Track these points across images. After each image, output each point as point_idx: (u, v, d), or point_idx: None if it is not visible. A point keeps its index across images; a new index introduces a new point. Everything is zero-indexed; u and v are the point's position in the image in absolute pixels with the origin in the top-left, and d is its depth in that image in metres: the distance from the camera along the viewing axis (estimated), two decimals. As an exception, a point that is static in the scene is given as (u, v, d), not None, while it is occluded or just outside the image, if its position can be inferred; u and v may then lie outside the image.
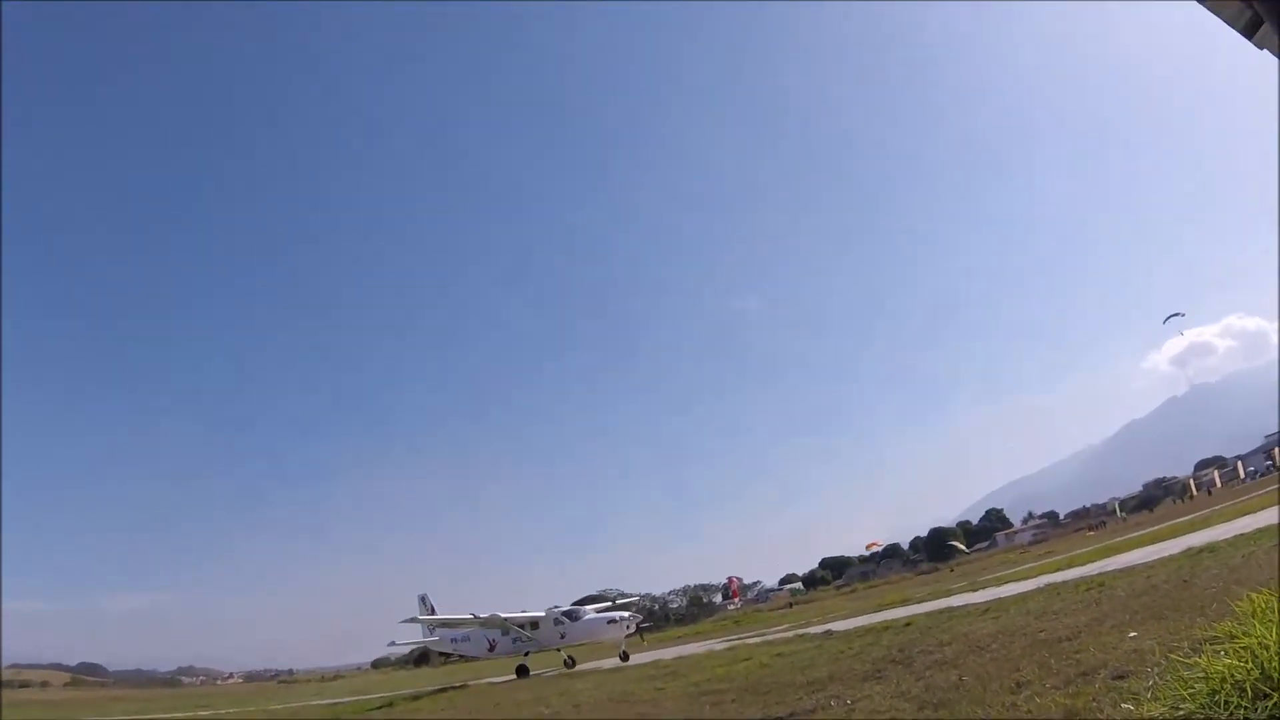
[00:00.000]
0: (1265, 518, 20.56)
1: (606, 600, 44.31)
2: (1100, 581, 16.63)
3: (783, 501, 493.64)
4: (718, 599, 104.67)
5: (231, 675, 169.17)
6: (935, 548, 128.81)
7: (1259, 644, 4.95)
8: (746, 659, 19.19)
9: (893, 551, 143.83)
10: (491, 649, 40.53)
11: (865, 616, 27.13)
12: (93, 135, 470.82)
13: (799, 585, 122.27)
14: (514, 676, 34.97)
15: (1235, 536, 17.47)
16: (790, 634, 26.79)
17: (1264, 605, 5.44)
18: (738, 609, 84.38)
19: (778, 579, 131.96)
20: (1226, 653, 5.22)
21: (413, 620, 40.94)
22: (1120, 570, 18.12)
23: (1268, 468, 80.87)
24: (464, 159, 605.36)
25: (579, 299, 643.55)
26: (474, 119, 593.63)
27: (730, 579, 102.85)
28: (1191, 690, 5.29)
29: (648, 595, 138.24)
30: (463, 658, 48.08)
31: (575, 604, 40.92)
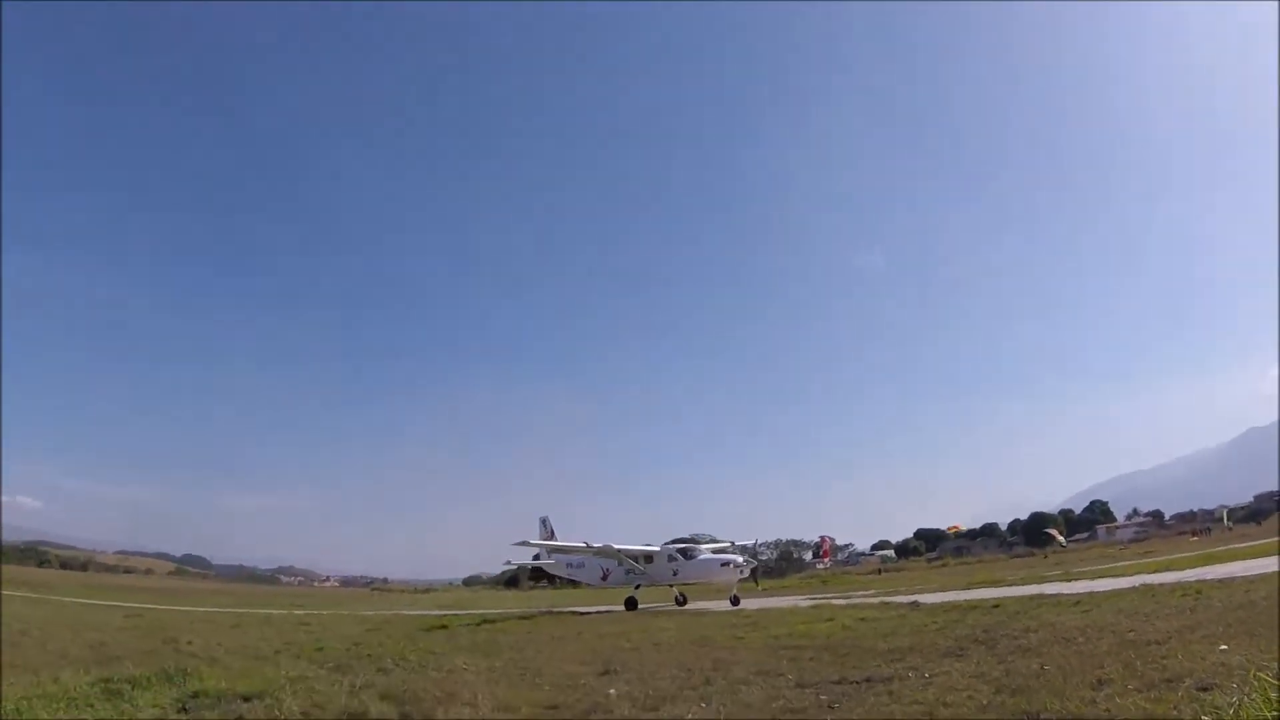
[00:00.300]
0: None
1: (699, 544, 42.92)
2: (1197, 589, 16.20)
3: (887, 466, 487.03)
4: (808, 556, 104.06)
5: (329, 578, 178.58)
6: (1033, 533, 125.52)
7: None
8: (829, 619, 19.34)
9: (989, 531, 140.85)
10: (605, 578, 40.69)
11: (954, 592, 26.82)
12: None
13: (891, 553, 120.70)
14: (621, 607, 34.79)
15: (1346, 559, 16.72)
16: (876, 600, 26.83)
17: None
18: (827, 569, 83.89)
19: (870, 544, 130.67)
20: (1316, 680, 5.24)
21: (523, 544, 40.74)
22: (1219, 580, 17.56)
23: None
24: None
25: (717, 252, 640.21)
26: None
27: (823, 538, 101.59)
28: (1275, 712, 5.34)
29: (737, 544, 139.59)
30: (575, 583, 49.42)
31: (674, 544, 40.14)
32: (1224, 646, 8.99)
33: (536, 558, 49.35)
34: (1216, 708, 6.43)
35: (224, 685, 11.15)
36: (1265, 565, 19.66)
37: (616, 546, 37.72)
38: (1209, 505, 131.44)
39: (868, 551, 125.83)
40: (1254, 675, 6.72)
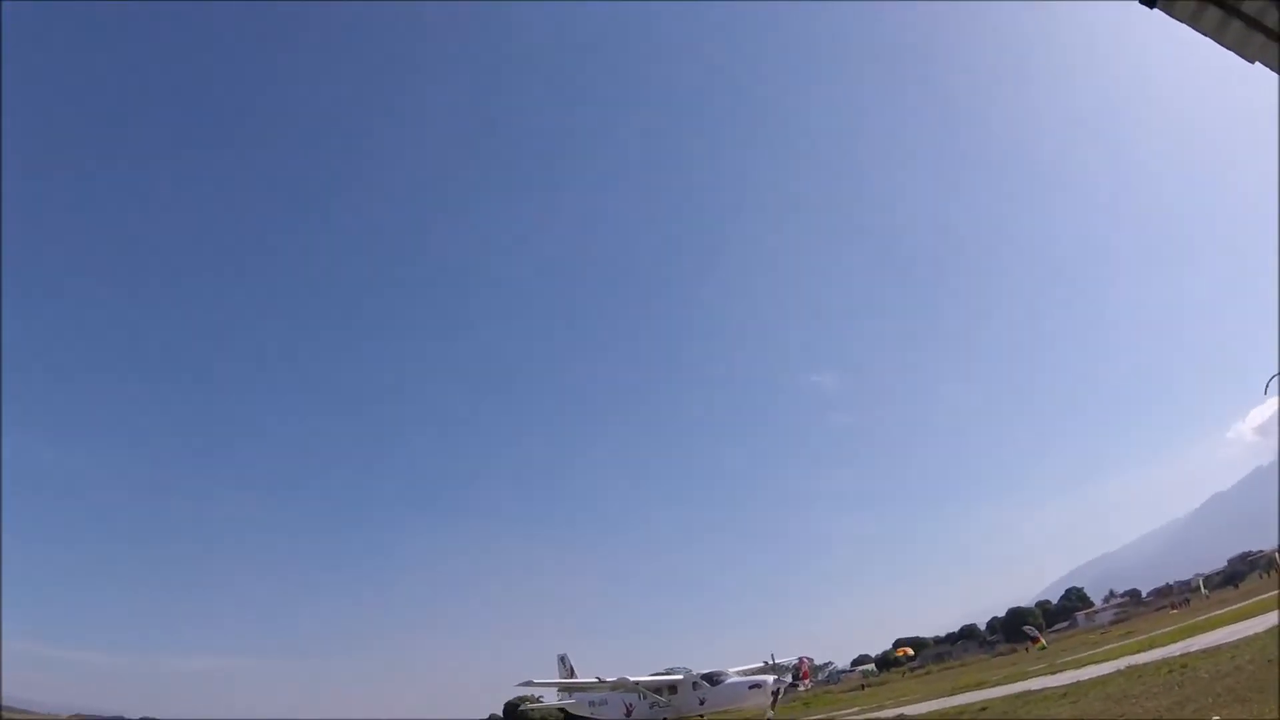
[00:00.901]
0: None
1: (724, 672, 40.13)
2: (1183, 663, 16.21)
3: (855, 580, 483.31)
4: (787, 679, 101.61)
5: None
6: (1012, 629, 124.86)
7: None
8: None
9: (969, 633, 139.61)
10: (629, 715, 38.69)
11: (939, 700, 26.53)
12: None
13: (872, 666, 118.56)
14: None
15: (1324, 614, 16.77)
16: (861, 718, 26.20)
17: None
18: (808, 690, 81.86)
19: (850, 659, 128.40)
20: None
21: (528, 684, 40.17)
22: (1204, 650, 17.61)
23: (1359, 541, 77.20)
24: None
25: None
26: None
27: (801, 659, 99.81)
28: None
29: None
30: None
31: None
32: (1216, 717, 8.85)
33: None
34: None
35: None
36: (1248, 628, 19.76)
37: (633, 679, 36.46)
38: (1184, 576, 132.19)
39: (848, 668, 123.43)
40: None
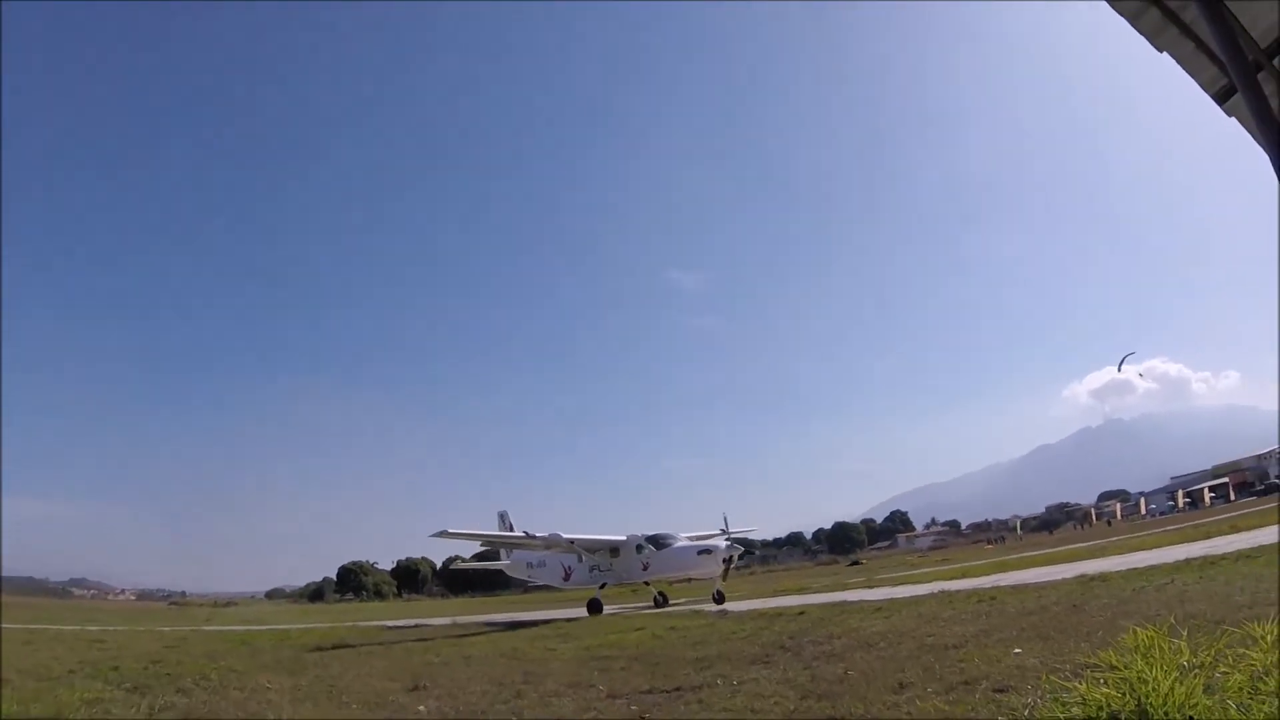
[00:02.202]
0: (1159, 555, 21.25)
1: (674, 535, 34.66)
2: (992, 595, 16.97)
3: (698, 477, 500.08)
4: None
5: (124, 591, 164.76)
6: (837, 541, 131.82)
7: (1139, 679, 5.02)
8: (640, 629, 19.33)
9: (795, 540, 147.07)
10: (567, 578, 35.96)
11: (761, 600, 27.35)
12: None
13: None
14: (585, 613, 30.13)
15: (1129, 570, 17.90)
16: (686, 608, 26.97)
17: (1148, 641, 5.53)
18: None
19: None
20: (1106, 682, 5.29)
21: (443, 534, 30.78)
22: (1013, 587, 18.47)
23: (1170, 508, 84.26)
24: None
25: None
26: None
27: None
28: (1068, 714, 5.36)
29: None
30: (534, 585, 44.65)
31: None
32: (1018, 650, 9.25)
33: (485, 557, 44.28)
34: (1012, 709, 6.53)
35: (15, 709, 10.42)
36: (1054, 573, 20.86)
37: (567, 536, 32.99)
38: (1003, 516, 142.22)
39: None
40: (1046, 678, 6.87)
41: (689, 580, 32.80)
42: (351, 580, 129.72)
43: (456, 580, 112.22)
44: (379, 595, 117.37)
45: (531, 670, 12.90)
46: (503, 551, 41.52)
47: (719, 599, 28.46)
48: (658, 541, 32.39)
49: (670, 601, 32.69)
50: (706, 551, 30.63)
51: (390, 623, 34.72)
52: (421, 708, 9.94)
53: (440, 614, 39.10)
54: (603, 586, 32.86)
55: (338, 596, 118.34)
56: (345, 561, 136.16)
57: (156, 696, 11.49)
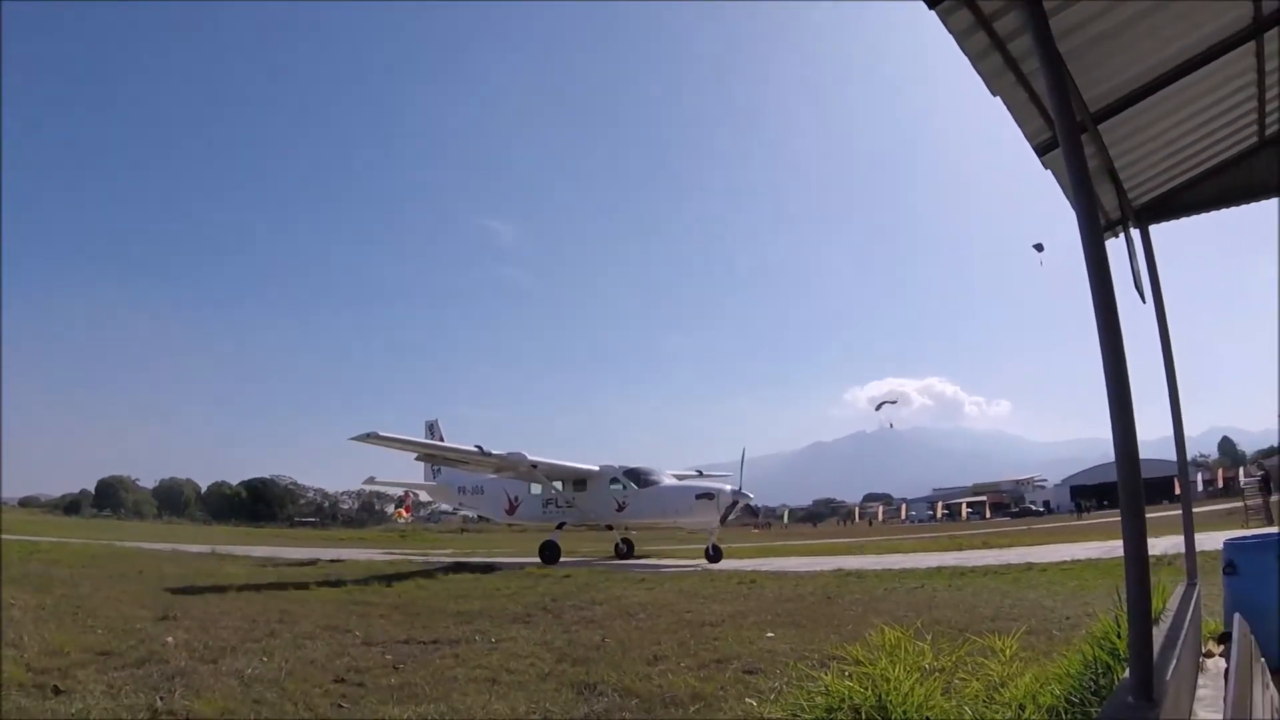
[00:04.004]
0: (914, 560, 22.72)
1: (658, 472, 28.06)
2: (752, 578, 17.69)
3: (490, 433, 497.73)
4: (389, 509, 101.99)
5: None
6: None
7: (882, 675, 5.24)
8: (403, 578, 18.87)
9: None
10: (511, 511, 29.45)
11: (529, 558, 26.64)
12: None
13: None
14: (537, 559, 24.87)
15: (884, 570, 19.02)
16: (451, 560, 26.53)
17: (895, 641, 5.81)
18: (407, 524, 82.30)
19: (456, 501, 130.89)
20: (851, 675, 5.49)
21: (369, 437, 22.88)
22: (773, 573, 19.28)
23: (929, 516, 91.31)
24: None
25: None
26: None
27: (407, 492, 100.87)
28: (811, 701, 5.53)
29: (319, 491, 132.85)
30: (468, 516, 35.91)
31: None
32: (771, 634, 9.61)
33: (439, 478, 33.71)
34: (759, 691, 6.73)
35: None
36: (814, 564, 22.00)
37: (532, 458, 26.17)
38: (773, 504, 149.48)
39: (452, 510, 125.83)
40: (795, 665, 7.16)
41: (676, 528, 28.29)
42: (110, 496, 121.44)
43: (222, 507, 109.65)
44: (139, 515, 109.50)
45: (289, 609, 12.43)
46: (426, 469, 33.71)
47: (714, 556, 24.10)
48: (639, 477, 26.77)
49: (635, 551, 29.09)
50: (707, 496, 24.96)
51: (147, 545, 31.87)
52: (170, 639, 9.30)
53: (202, 541, 36.19)
54: (560, 526, 27.00)
55: (94, 511, 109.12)
56: (105, 475, 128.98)
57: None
